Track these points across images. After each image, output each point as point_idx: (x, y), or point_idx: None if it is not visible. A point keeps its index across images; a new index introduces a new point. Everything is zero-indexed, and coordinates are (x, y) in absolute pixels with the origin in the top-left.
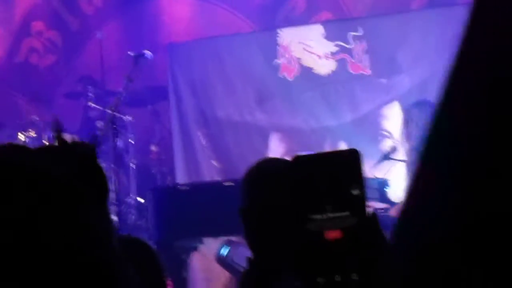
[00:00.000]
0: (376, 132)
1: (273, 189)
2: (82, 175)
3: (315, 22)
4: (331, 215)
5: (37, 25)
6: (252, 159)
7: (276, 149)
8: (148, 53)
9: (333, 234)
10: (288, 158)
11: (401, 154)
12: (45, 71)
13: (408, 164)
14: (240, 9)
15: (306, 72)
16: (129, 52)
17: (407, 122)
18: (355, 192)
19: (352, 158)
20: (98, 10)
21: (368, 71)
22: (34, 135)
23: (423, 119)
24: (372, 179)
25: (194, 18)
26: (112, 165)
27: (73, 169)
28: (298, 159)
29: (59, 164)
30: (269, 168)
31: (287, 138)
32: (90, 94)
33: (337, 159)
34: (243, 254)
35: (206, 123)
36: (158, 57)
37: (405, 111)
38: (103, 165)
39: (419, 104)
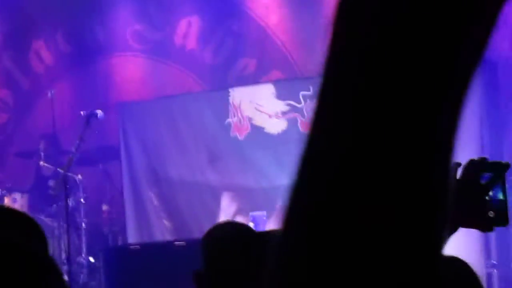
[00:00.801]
0: None
1: (228, 253)
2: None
3: (266, 82)
4: None
5: None
6: (204, 219)
7: (228, 208)
8: (99, 112)
9: None
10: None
11: None
12: None
13: None
14: (192, 69)
15: (257, 131)
16: (81, 112)
17: None
18: None
19: None
20: (48, 69)
21: None
22: None
23: None
24: None
25: (145, 78)
26: (64, 224)
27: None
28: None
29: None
30: (225, 232)
31: (239, 197)
32: (41, 153)
33: None
34: None
35: (158, 183)
36: (109, 116)
37: None
38: (54, 224)
39: None
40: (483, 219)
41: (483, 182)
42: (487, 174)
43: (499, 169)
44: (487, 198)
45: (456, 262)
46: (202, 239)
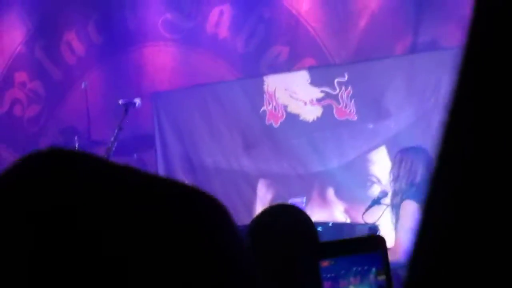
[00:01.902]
0: (364, 177)
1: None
2: None
3: (299, 69)
4: None
5: (20, 76)
6: (240, 206)
7: (264, 195)
8: (137, 101)
9: None
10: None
11: (390, 198)
12: (29, 122)
13: (392, 205)
14: (224, 57)
15: (292, 119)
16: (119, 101)
17: (399, 163)
18: (381, 278)
19: (377, 244)
20: (80, 60)
21: (354, 117)
22: None
23: (416, 164)
24: (362, 224)
25: (177, 67)
26: None
27: None
28: (324, 245)
29: None
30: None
31: (275, 184)
32: (76, 145)
33: (362, 245)
34: None
35: (193, 171)
36: (143, 106)
37: (399, 152)
38: None
39: (415, 149)
40: None
41: None
42: None
43: None
44: None
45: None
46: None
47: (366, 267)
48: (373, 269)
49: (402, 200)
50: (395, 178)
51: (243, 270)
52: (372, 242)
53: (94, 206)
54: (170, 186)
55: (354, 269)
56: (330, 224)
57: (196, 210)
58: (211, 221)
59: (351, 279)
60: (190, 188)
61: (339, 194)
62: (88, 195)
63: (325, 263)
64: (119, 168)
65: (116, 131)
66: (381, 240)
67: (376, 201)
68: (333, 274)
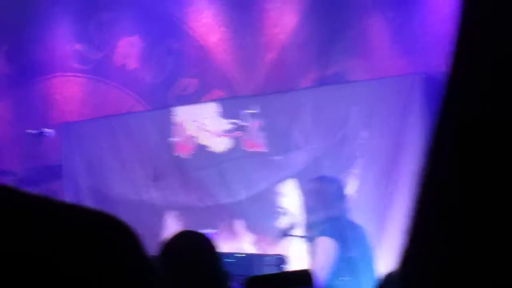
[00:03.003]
0: (272, 209)
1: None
2: None
3: (208, 101)
4: None
5: None
6: (148, 238)
7: (172, 227)
8: (48, 130)
9: None
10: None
11: (300, 230)
12: None
13: (307, 240)
14: (132, 88)
15: (201, 150)
16: (28, 130)
17: (315, 194)
18: None
19: (306, 278)
20: None
21: (263, 148)
22: None
23: (329, 193)
24: (271, 256)
25: (86, 97)
26: None
27: None
28: (252, 280)
29: None
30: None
31: (183, 216)
32: None
33: (291, 279)
34: None
35: (102, 202)
36: (50, 136)
37: (305, 187)
38: None
39: (324, 178)
40: None
41: None
42: None
43: None
44: None
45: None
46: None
47: None
48: None
49: (318, 236)
50: (310, 210)
51: None
52: (301, 277)
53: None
54: (80, 212)
55: None
56: (239, 256)
57: (106, 233)
58: (121, 243)
59: None
60: (100, 213)
61: (248, 226)
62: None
63: None
64: (31, 197)
65: (22, 161)
66: (310, 275)
67: (285, 233)
68: None
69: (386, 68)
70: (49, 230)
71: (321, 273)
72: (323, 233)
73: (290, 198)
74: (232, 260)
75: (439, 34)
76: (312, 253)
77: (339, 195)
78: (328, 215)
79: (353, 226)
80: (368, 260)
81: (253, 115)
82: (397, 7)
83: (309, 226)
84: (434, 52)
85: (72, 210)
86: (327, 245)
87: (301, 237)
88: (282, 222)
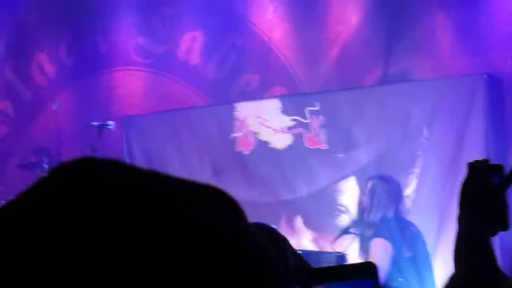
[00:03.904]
0: (332, 206)
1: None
2: None
3: (269, 97)
4: None
5: None
6: None
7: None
8: (111, 123)
9: None
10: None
11: (359, 229)
12: None
13: (362, 238)
14: (194, 83)
15: (263, 146)
16: (92, 123)
17: (372, 194)
18: None
19: (370, 270)
20: (51, 81)
21: (324, 146)
22: None
23: (385, 192)
24: (330, 253)
25: (147, 91)
26: None
27: None
28: (316, 272)
29: None
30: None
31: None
32: (45, 165)
33: (355, 272)
34: None
35: None
36: (112, 130)
37: (366, 185)
38: None
39: (381, 177)
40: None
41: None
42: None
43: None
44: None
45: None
46: None
47: None
48: None
49: (373, 236)
50: (368, 209)
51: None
52: (365, 268)
53: (119, 230)
54: (195, 188)
55: None
56: (299, 252)
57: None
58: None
59: None
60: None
61: (307, 223)
62: (113, 218)
63: None
64: (147, 176)
65: (89, 152)
66: (374, 267)
67: (345, 231)
68: None
69: (449, 67)
70: (169, 221)
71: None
72: (378, 234)
73: (351, 196)
74: None
75: (503, 34)
76: (367, 251)
77: (396, 195)
78: (384, 215)
79: (410, 226)
80: (424, 260)
81: (315, 112)
82: (462, 6)
83: (366, 225)
84: (497, 53)
85: (188, 187)
86: (382, 246)
87: (360, 235)
88: (342, 220)
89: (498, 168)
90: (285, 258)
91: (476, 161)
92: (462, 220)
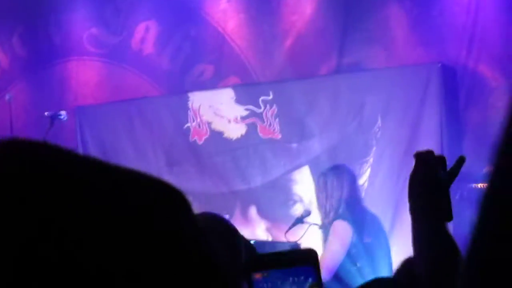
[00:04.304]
0: (287, 196)
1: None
2: None
3: (223, 87)
4: None
5: None
6: None
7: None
8: (63, 113)
9: None
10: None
11: (314, 218)
12: None
13: (323, 226)
14: (148, 73)
15: (216, 136)
16: (45, 113)
17: (324, 184)
18: None
19: (310, 257)
20: (4, 72)
21: (278, 136)
22: None
23: (340, 182)
24: (284, 243)
25: (101, 82)
26: None
27: None
28: (257, 257)
29: None
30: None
31: (197, 202)
32: None
33: (295, 259)
34: None
35: None
36: (65, 120)
37: (322, 173)
38: None
39: (337, 167)
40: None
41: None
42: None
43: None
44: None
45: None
46: None
47: (302, 279)
48: (309, 281)
49: (333, 220)
50: (324, 200)
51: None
52: (305, 255)
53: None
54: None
55: (291, 279)
56: (252, 242)
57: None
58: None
59: None
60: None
61: (261, 213)
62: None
63: (258, 275)
64: (82, 161)
65: None
66: (314, 253)
67: (299, 220)
68: (269, 285)
69: (404, 57)
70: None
71: (336, 257)
72: (339, 217)
73: (305, 186)
74: None
75: (457, 24)
76: (328, 238)
77: (351, 183)
78: (341, 199)
79: (368, 214)
80: (384, 247)
81: (268, 101)
82: None
83: (326, 214)
84: (451, 43)
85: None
86: (343, 228)
87: (315, 224)
88: (296, 210)
89: (441, 160)
90: (235, 250)
91: (421, 152)
92: (414, 211)
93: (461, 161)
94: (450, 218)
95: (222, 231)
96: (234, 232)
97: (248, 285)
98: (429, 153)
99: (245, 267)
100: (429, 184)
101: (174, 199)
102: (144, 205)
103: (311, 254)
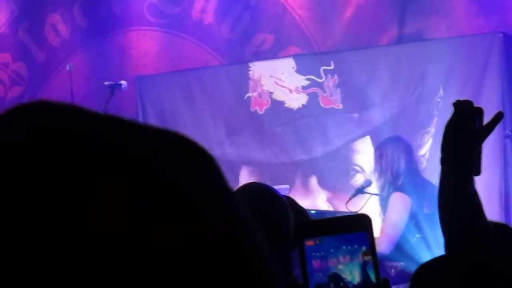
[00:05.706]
0: (347, 166)
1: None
2: None
3: (284, 57)
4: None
5: (3, 57)
6: None
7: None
8: (124, 83)
9: None
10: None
11: (375, 188)
12: (11, 103)
13: (381, 198)
14: (208, 43)
15: (277, 106)
16: (105, 82)
17: (380, 157)
18: (367, 258)
19: (363, 224)
20: (65, 42)
21: (339, 105)
22: None
23: (397, 154)
24: (343, 213)
25: (161, 52)
26: None
27: None
28: (309, 224)
29: None
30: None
31: (257, 172)
32: None
33: (348, 224)
34: None
35: None
36: (125, 90)
37: (378, 146)
38: None
39: (392, 139)
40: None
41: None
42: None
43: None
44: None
45: (504, 228)
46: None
47: (355, 246)
48: (363, 248)
49: (391, 192)
50: (380, 172)
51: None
52: (359, 221)
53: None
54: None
55: (344, 247)
56: (313, 212)
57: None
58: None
59: (341, 258)
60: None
61: (322, 183)
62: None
63: (310, 242)
64: (109, 122)
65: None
66: (368, 219)
67: (360, 190)
68: (322, 253)
69: (465, 27)
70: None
71: (395, 229)
72: (398, 189)
73: (366, 156)
74: None
75: None
76: (385, 209)
77: (409, 155)
78: (398, 171)
79: (428, 184)
80: None
81: (329, 71)
82: None
83: (383, 186)
84: None
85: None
86: (401, 200)
87: (376, 195)
88: (357, 180)
89: (479, 112)
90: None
91: (460, 101)
92: (444, 162)
93: (499, 115)
94: (478, 172)
95: (263, 199)
96: (279, 200)
97: (299, 252)
98: (468, 102)
99: (296, 233)
100: (463, 133)
101: (208, 161)
102: (145, 153)
103: (365, 219)
